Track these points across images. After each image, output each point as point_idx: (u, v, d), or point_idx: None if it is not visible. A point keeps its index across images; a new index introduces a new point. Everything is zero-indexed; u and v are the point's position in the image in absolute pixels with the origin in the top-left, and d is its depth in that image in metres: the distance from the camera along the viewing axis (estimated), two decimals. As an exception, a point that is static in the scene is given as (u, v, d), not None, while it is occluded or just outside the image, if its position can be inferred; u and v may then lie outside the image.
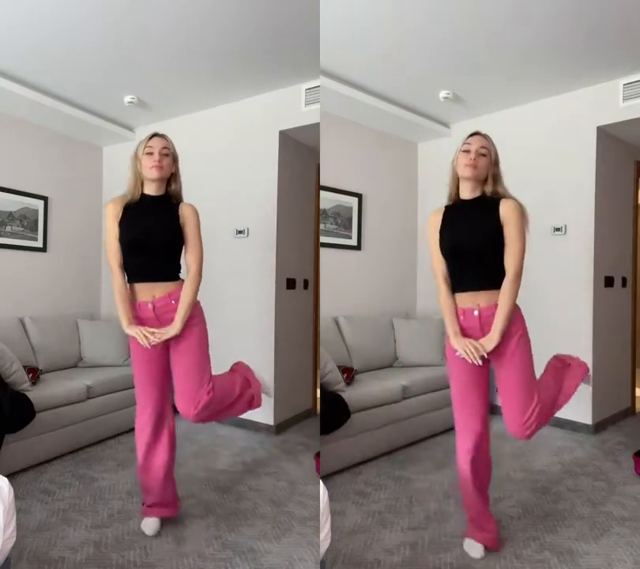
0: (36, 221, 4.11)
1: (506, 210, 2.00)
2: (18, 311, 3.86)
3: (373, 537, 2.28)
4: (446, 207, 2.16)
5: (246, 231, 3.82)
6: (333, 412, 2.89)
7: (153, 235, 2.18)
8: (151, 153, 2.16)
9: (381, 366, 3.88)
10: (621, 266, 4.04)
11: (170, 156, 2.20)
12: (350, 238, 4.16)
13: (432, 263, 2.17)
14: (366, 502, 2.63)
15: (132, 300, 2.22)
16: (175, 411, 2.33)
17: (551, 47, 3.08)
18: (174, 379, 2.28)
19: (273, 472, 3.05)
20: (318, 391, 3.44)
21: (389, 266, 4.46)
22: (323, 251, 3.85)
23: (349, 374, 3.35)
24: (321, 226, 3.98)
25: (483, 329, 2.05)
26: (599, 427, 3.75)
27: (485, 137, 2.08)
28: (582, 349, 3.71)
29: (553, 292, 3.78)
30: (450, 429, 3.70)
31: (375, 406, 3.17)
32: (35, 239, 4.11)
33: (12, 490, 1.55)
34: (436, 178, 4.56)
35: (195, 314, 2.24)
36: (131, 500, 2.63)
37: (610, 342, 3.89)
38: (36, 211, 4.11)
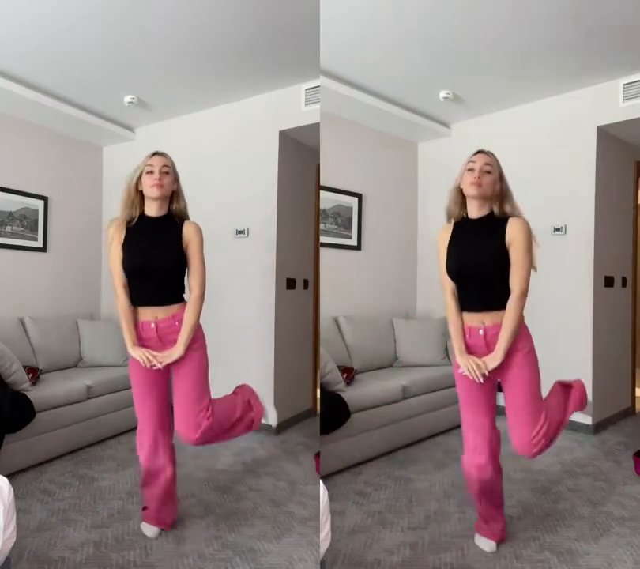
0: (36, 221, 4.11)
1: (512, 230, 2.00)
2: (18, 311, 3.86)
3: (373, 537, 2.28)
4: (455, 224, 2.15)
5: (246, 231, 3.82)
6: (333, 412, 2.89)
7: (155, 259, 2.14)
8: (151, 172, 2.13)
9: (381, 366, 3.88)
10: (621, 266, 4.04)
11: (170, 174, 2.16)
12: (350, 238, 4.16)
13: (440, 279, 2.16)
14: (366, 502, 2.63)
15: (135, 320, 2.20)
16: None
17: (551, 47, 3.08)
18: (174, 402, 2.25)
19: (273, 472, 3.05)
20: (318, 391, 3.44)
21: (389, 266, 4.46)
22: (323, 251, 3.85)
23: (349, 374, 3.35)
24: (321, 226, 3.98)
25: (489, 347, 2.06)
26: (599, 427, 3.75)
27: (488, 154, 2.08)
28: (582, 349, 3.72)
29: (553, 291, 3.78)
30: (450, 429, 3.71)
31: (375, 406, 3.16)
32: (35, 239, 4.11)
33: (12, 490, 1.55)
34: (436, 178, 4.58)
35: (197, 337, 2.22)
36: (131, 500, 2.63)
37: (610, 342, 3.89)
38: (36, 211, 4.11)
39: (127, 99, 3.76)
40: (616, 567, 2.04)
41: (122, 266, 2.17)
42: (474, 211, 2.09)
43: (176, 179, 2.22)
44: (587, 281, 3.72)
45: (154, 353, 2.15)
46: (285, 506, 2.60)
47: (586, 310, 3.71)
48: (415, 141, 4.64)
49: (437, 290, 4.81)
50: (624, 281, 4.08)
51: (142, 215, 2.19)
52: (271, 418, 2.53)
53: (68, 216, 4.36)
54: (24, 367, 3.20)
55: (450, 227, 2.15)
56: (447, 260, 2.11)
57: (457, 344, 2.10)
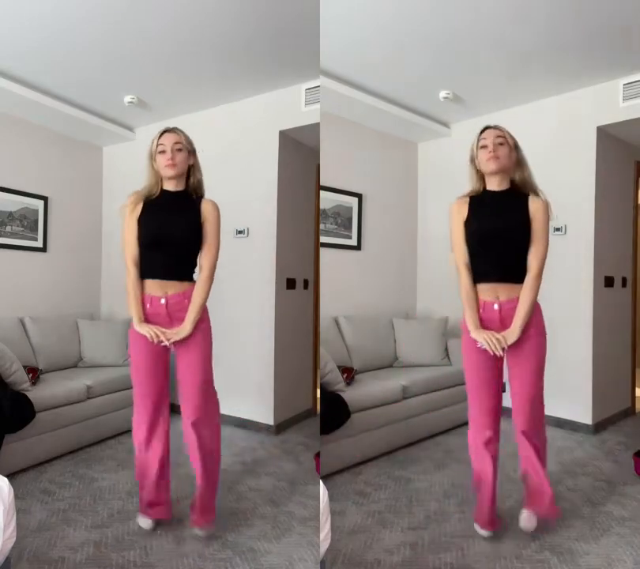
0: (36, 221, 4.11)
1: (535, 208, 2.06)
2: (18, 311, 3.86)
3: (373, 537, 2.28)
4: (471, 198, 2.17)
5: (246, 231, 3.82)
6: (333, 412, 2.89)
7: (172, 231, 2.14)
8: (163, 151, 2.13)
9: (381, 366, 3.88)
10: (621, 266, 4.04)
11: (183, 150, 2.15)
12: (350, 238, 4.16)
13: (454, 252, 2.18)
14: (366, 502, 2.63)
15: (142, 295, 2.18)
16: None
17: (551, 47, 3.08)
18: (178, 382, 2.26)
19: (273, 472, 3.05)
20: (318, 391, 3.44)
21: (389, 266, 4.46)
22: (323, 251, 3.85)
23: (349, 374, 3.35)
24: (321, 226, 3.98)
25: (503, 322, 2.09)
26: (599, 427, 3.75)
27: (497, 127, 2.11)
28: (582, 349, 3.72)
29: (553, 291, 3.76)
30: (450, 429, 3.71)
31: (375, 406, 3.16)
32: (35, 239, 4.11)
33: (12, 490, 1.55)
34: (436, 178, 4.58)
35: (203, 318, 2.22)
36: (131, 500, 2.63)
37: (610, 342, 3.89)
38: (36, 211, 4.11)
39: (127, 99, 3.76)
40: (616, 567, 2.04)
41: (138, 238, 2.16)
42: (495, 184, 2.13)
43: (191, 153, 2.19)
44: (587, 281, 3.72)
45: (162, 329, 2.13)
46: (285, 506, 2.60)
47: (586, 310, 3.71)
48: (415, 141, 4.64)
49: (437, 290, 4.83)
50: (624, 281, 4.08)
51: (162, 189, 2.19)
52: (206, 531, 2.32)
53: (68, 216, 4.36)
54: (24, 367, 3.20)
55: (465, 202, 2.17)
56: (467, 229, 2.13)
57: (471, 319, 2.10)
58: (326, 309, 3.78)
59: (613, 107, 3.55)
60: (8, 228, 3.91)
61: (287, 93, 3.65)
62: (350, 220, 4.14)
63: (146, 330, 2.12)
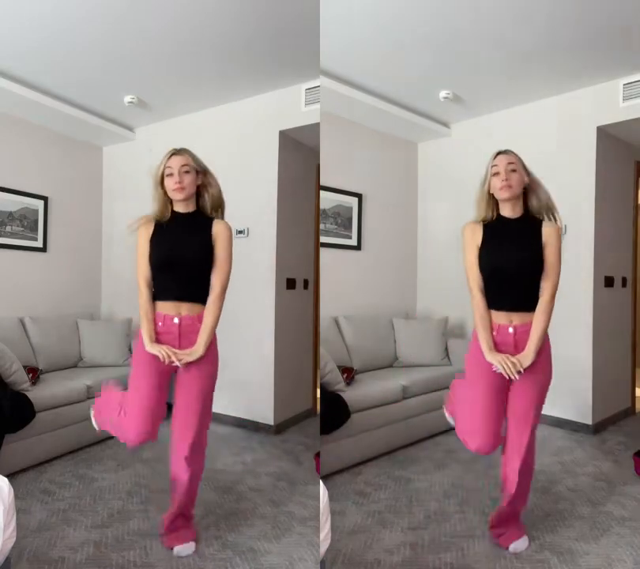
0: (36, 221, 4.11)
1: (548, 233, 2.06)
2: (18, 311, 3.86)
3: (373, 537, 2.28)
4: (485, 224, 2.15)
5: (246, 231, 3.82)
6: (333, 412, 2.89)
7: (183, 253, 2.13)
8: (171, 174, 2.10)
9: (381, 366, 3.88)
10: (621, 266, 4.04)
11: (191, 172, 2.12)
12: (350, 238, 4.16)
13: (468, 276, 2.17)
14: (366, 502, 2.63)
15: (154, 315, 2.15)
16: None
17: (551, 47, 3.08)
18: (174, 408, 2.21)
19: (273, 472, 3.05)
20: (318, 391, 3.44)
21: (389, 266, 4.46)
22: (323, 251, 3.85)
23: (349, 374, 3.35)
24: (321, 226, 3.98)
25: (517, 345, 2.09)
26: (599, 427, 3.75)
27: (507, 153, 2.10)
28: (582, 349, 3.72)
29: (553, 292, 3.77)
30: (450, 429, 3.69)
31: (375, 406, 3.16)
32: (35, 239, 4.11)
33: (12, 490, 1.55)
34: (436, 178, 4.59)
35: (212, 343, 2.19)
36: (131, 500, 2.63)
37: (610, 342, 3.89)
38: (36, 211, 4.11)
39: (127, 99, 3.76)
40: (616, 567, 2.04)
41: (149, 260, 2.14)
42: (508, 211, 2.12)
43: (200, 173, 2.16)
44: (587, 281, 3.72)
45: (174, 350, 2.10)
46: (285, 506, 2.60)
47: (586, 310, 3.71)
48: (415, 141, 4.63)
49: (437, 290, 4.83)
50: (624, 281, 4.08)
51: (172, 211, 2.17)
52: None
53: (68, 216, 4.36)
54: (24, 367, 3.20)
55: (479, 227, 2.15)
56: (481, 259, 2.12)
57: (485, 341, 2.10)
58: (326, 309, 3.78)
59: (613, 107, 3.55)
60: (8, 228, 3.91)
61: (287, 93, 3.65)
62: (350, 220, 4.14)
63: (157, 350, 2.08)
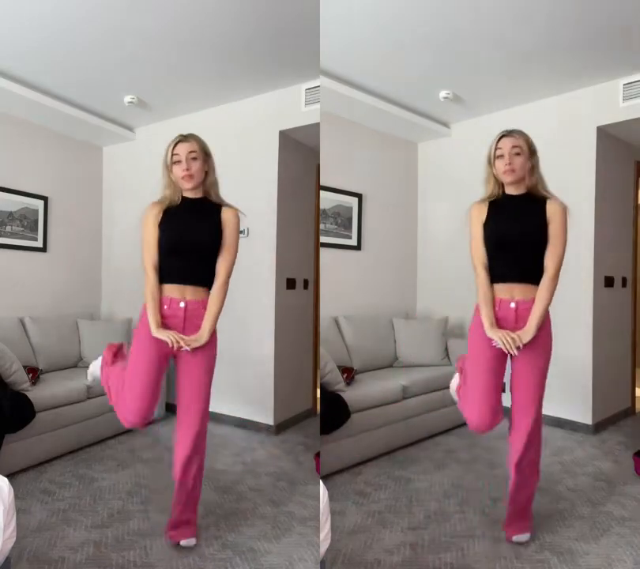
0: (36, 221, 4.11)
1: (553, 210, 2.11)
2: (18, 311, 3.86)
3: (373, 537, 2.28)
4: (490, 202, 2.21)
5: (246, 231, 3.81)
6: (333, 412, 2.89)
7: (193, 237, 2.14)
8: (179, 161, 2.10)
9: (381, 366, 3.88)
10: (621, 266, 4.04)
11: (198, 159, 2.12)
12: (350, 238, 4.16)
13: (472, 253, 2.22)
14: (366, 502, 2.63)
15: (161, 297, 2.17)
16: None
17: (551, 47, 3.08)
18: (178, 394, 2.23)
19: (273, 472, 3.05)
20: (318, 391, 3.44)
21: (389, 266, 4.46)
22: (323, 251, 3.85)
23: (349, 374, 3.35)
24: (321, 226, 3.98)
25: (518, 321, 2.12)
26: (599, 427, 3.75)
27: (513, 135, 2.12)
28: (582, 349, 3.72)
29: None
30: (450, 429, 3.71)
31: (375, 406, 3.16)
32: (35, 239, 4.11)
33: (12, 490, 1.55)
34: (436, 178, 4.59)
35: (214, 331, 2.21)
36: (131, 500, 2.63)
37: (610, 342, 3.89)
38: (36, 211, 4.11)
39: (127, 99, 3.76)
40: (616, 567, 2.04)
41: (158, 244, 2.15)
42: (512, 189, 2.17)
43: (206, 159, 2.16)
44: (587, 281, 3.72)
45: (182, 336, 2.10)
46: (285, 506, 2.60)
47: (586, 310, 3.71)
48: (415, 141, 4.64)
49: (437, 290, 4.83)
50: (624, 281, 4.08)
51: (182, 197, 2.18)
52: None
53: (68, 216, 4.36)
54: (24, 367, 3.20)
55: (485, 204, 2.21)
56: (486, 231, 2.17)
57: (487, 317, 2.13)
58: (326, 309, 3.78)
59: (613, 107, 3.55)
60: (8, 228, 3.91)
61: (287, 93, 3.65)
62: (350, 220, 4.14)
63: (165, 335, 2.08)
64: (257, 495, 2.73)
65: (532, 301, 2.11)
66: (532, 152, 2.13)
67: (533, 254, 2.11)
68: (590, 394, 3.70)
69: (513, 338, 2.06)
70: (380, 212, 4.36)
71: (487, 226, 2.18)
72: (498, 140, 2.13)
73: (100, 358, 2.53)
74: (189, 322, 2.17)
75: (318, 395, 3.45)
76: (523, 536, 2.22)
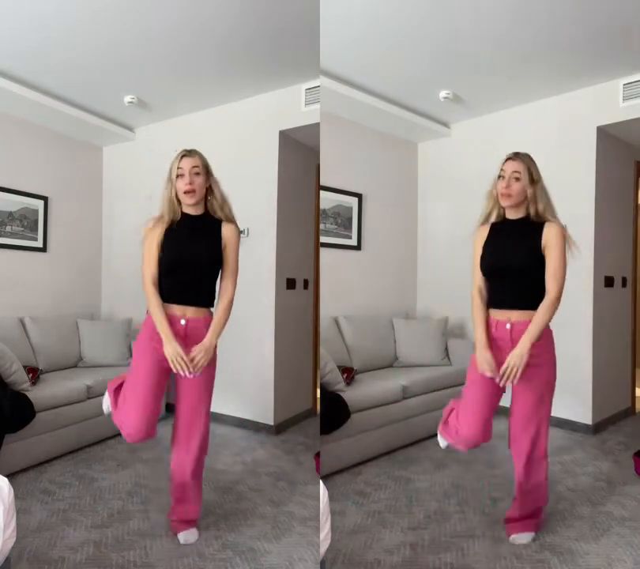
0: (36, 221, 4.11)
1: (549, 234, 2.06)
2: (18, 311, 3.86)
3: (373, 537, 2.28)
4: (493, 225, 2.19)
5: (246, 231, 3.81)
6: (333, 412, 2.89)
7: (193, 256, 2.13)
8: (182, 175, 2.09)
9: (381, 366, 3.88)
10: (621, 266, 4.04)
11: (201, 174, 2.12)
12: (350, 238, 4.16)
13: (472, 275, 2.21)
14: (366, 502, 2.63)
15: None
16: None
17: (551, 47, 3.08)
18: (178, 409, 2.23)
19: (273, 472, 3.05)
20: (318, 391, 3.44)
21: (389, 266, 4.46)
22: (323, 251, 3.85)
23: (349, 374, 3.35)
24: (321, 226, 3.98)
25: (514, 342, 2.08)
26: (599, 427, 3.75)
27: (519, 159, 2.09)
28: (582, 350, 3.72)
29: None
30: (450, 429, 3.71)
31: (375, 406, 3.16)
32: (35, 239, 4.11)
33: (12, 490, 1.55)
34: (436, 178, 4.58)
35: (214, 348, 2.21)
36: (131, 500, 2.63)
37: (610, 342, 3.89)
38: (36, 211, 4.11)
39: (127, 99, 3.76)
40: (616, 567, 2.04)
41: (158, 263, 2.13)
42: (511, 213, 2.15)
43: (208, 175, 2.16)
44: (587, 281, 3.72)
45: (188, 356, 2.08)
46: (285, 506, 2.60)
47: (586, 310, 3.71)
48: (415, 141, 4.63)
49: (437, 290, 4.83)
50: (624, 281, 4.08)
51: (182, 213, 2.17)
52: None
53: (68, 216, 4.36)
54: (24, 367, 3.20)
55: (487, 228, 2.20)
56: (482, 258, 2.17)
57: (479, 338, 2.12)
58: (326, 309, 3.78)
59: (613, 107, 3.55)
60: (8, 228, 3.91)
61: (287, 93, 3.65)
62: (350, 220, 4.14)
63: (173, 352, 2.06)
64: (257, 495, 2.73)
65: (529, 321, 2.05)
66: (533, 179, 2.08)
67: (530, 280, 2.07)
68: (590, 394, 3.70)
69: (507, 372, 2.01)
70: (380, 212, 4.36)
71: (483, 252, 2.17)
72: (504, 162, 2.11)
73: (107, 395, 2.44)
74: (190, 339, 2.15)
75: (318, 395, 3.45)
76: (523, 536, 2.22)
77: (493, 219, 2.20)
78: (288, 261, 3.89)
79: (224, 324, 2.21)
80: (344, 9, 2.70)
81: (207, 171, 2.16)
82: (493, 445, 3.39)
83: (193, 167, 2.10)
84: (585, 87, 3.65)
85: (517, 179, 2.06)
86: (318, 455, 2.87)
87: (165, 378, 2.20)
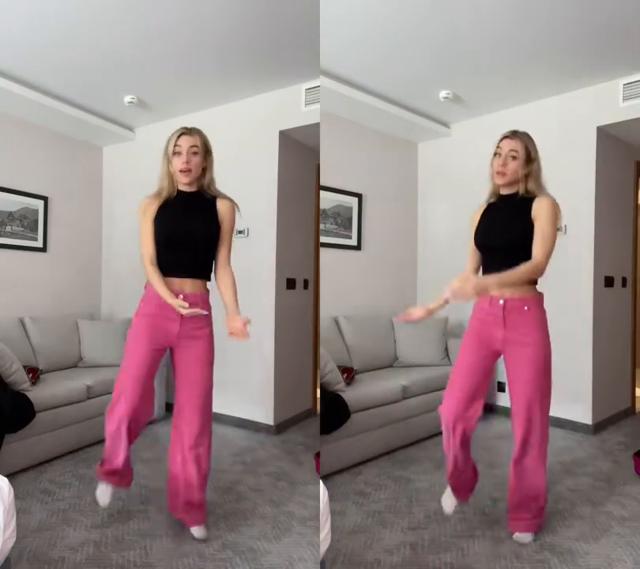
0: (36, 221, 4.11)
1: (538, 207, 2.06)
2: (18, 311, 3.86)
3: (373, 537, 2.28)
4: (488, 203, 2.25)
5: (246, 231, 3.82)
6: (333, 412, 2.89)
7: (189, 231, 2.15)
8: (179, 153, 2.11)
9: (381, 366, 3.88)
10: (621, 266, 4.04)
11: (199, 154, 2.13)
12: (350, 238, 4.16)
13: (469, 252, 2.31)
14: (366, 502, 2.63)
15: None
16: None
17: (551, 47, 3.08)
18: (178, 391, 2.24)
19: (273, 472, 3.05)
20: (318, 391, 3.44)
21: (389, 266, 4.46)
22: (323, 251, 3.85)
23: (349, 374, 3.35)
24: (321, 226, 3.98)
25: (506, 320, 2.10)
26: (599, 427, 3.75)
27: (517, 137, 2.11)
28: (582, 349, 3.72)
29: (553, 292, 3.76)
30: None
31: (375, 406, 3.16)
32: (35, 239, 4.11)
33: (12, 490, 1.55)
34: (436, 178, 4.58)
35: (208, 323, 2.23)
36: (131, 500, 2.63)
37: (610, 342, 3.89)
38: (36, 211, 4.11)
39: (127, 99, 3.76)
40: (616, 567, 2.04)
41: (155, 238, 2.15)
42: (504, 189, 2.18)
43: (207, 155, 2.17)
44: (587, 281, 3.72)
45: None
46: (285, 506, 2.60)
47: (586, 310, 3.71)
48: (415, 141, 4.63)
49: (437, 290, 4.82)
50: (624, 281, 4.08)
51: (177, 190, 2.18)
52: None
53: (68, 216, 4.36)
54: (24, 367, 3.20)
55: (484, 206, 2.26)
56: (475, 235, 2.23)
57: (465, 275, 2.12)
58: (326, 309, 3.78)
59: (613, 107, 3.55)
60: (8, 228, 3.91)
61: (287, 93, 3.65)
62: (350, 220, 4.14)
63: (179, 303, 2.06)
64: (257, 495, 2.73)
65: (523, 298, 2.08)
66: (530, 158, 2.08)
67: (520, 258, 2.02)
68: (590, 394, 3.70)
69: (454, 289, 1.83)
70: (380, 212, 4.36)
71: (477, 228, 2.24)
72: (501, 139, 2.13)
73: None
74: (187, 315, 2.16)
75: (318, 395, 3.45)
76: (523, 536, 2.22)
77: (490, 198, 2.24)
78: (287, 261, 3.89)
79: (235, 289, 2.27)
80: (344, 9, 2.70)
81: (206, 150, 2.17)
82: (493, 445, 3.40)
83: (192, 146, 2.12)
84: (585, 87, 3.66)
85: (514, 158, 2.08)
86: (318, 455, 2.87)
87: (158, 357, 2.23)
